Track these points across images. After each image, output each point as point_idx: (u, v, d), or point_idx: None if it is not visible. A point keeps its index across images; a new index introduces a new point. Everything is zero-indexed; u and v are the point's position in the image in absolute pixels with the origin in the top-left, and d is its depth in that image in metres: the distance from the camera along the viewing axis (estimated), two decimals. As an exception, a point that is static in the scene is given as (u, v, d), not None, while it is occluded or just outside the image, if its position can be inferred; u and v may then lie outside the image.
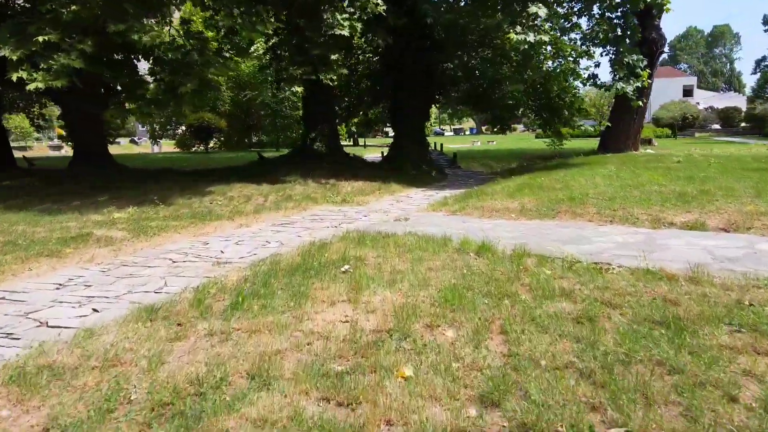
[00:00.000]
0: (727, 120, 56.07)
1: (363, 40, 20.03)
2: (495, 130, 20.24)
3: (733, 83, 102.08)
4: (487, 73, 18.32)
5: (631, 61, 14.75)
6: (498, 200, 9.16)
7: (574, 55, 16.36)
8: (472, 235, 6.28)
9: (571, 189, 9.71)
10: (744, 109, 55.71)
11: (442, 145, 29.94)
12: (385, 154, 27.33)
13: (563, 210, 7.96)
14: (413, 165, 17.42)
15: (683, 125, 50.06)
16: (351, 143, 53.48)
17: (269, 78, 32.65)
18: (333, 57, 12.47)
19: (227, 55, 13.84)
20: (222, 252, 6.34)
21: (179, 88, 9.92)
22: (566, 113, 17.23)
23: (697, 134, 48.27)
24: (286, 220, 8.93)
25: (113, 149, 22.85)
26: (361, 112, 22.98)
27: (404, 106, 18.07)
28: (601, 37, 15.35)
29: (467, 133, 76.16)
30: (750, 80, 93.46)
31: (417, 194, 12.87)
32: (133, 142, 59.64)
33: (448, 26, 15.81)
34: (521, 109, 18.89)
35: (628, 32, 15.38)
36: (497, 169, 22.32)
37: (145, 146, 51.49)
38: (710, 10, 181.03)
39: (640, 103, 16.66)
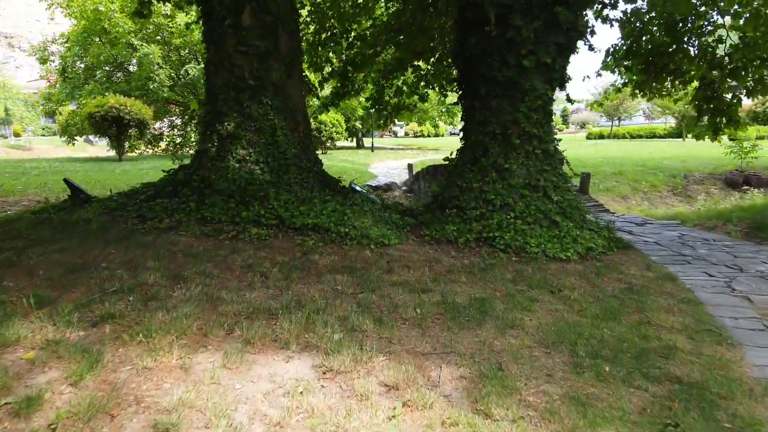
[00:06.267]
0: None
1: None
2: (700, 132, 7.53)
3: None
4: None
5: None
6: None
7: None
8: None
9: None
10: None
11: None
12: (414, 167, 14.03)
13: None
14: (537, 225, 5.45)
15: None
16: (354, 145, 40.44)
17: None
18: None
19: None
20: None
21: None
22: None
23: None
24: None
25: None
26: (369, 83, 10.58)
27: (497, 59, 5.98)
28: None
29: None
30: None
31: None
32: (87, 141, 49.17)
33: None
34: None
35: None
36: (672, 214, 10.46)
37: (100, 147, 40.64)
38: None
39: None
